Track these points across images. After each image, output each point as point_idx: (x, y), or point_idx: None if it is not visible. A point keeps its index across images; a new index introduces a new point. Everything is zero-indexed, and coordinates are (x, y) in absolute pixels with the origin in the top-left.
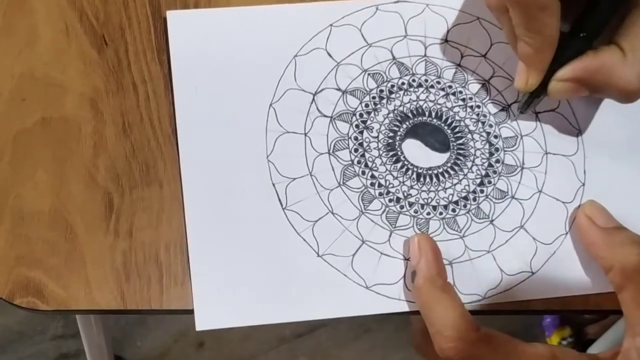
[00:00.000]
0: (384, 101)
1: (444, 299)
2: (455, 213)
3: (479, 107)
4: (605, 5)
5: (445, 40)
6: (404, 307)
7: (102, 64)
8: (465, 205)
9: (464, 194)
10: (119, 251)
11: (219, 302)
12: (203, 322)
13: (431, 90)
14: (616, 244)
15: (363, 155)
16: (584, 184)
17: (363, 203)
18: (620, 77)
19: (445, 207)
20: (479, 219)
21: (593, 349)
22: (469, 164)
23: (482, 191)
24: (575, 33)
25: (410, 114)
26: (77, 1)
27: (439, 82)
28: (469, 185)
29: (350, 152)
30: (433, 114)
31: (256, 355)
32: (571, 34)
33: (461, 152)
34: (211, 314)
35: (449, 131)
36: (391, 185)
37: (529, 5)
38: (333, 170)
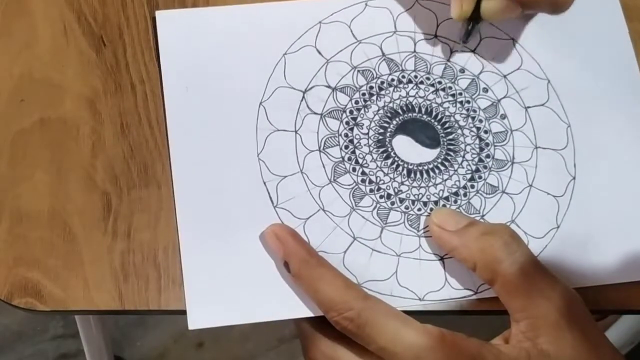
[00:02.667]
0: (374, 98)
1: (323, 274)
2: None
3: (468, 102)
4: None
5: (435, 36)
6: (396, 303)
7: (100, 64)
8: (455, 201)
9: (454, 190)
10: (117, 252)
11: (211, 300)
12: (195, 321)
13: (421, 86)
14: (470, 242)
15: (354, 152)
16: (574, 178)
17: (354, 200)
18: None
19: (436, 202)
20: (470, 214)
21: None
22: (459, 159)
23: (472, 186)
24: None
25: (400, 110)
26: (75, 2)
27: (428, 78)
28: (459, 181)
29: (341, 149)
30: (423, 109)
31: (256, 355)
32: None
33: (451, 147)
34: (203, 312)
35: (439, 127)
36: (382, 182)
37: None
38: (324, 167)
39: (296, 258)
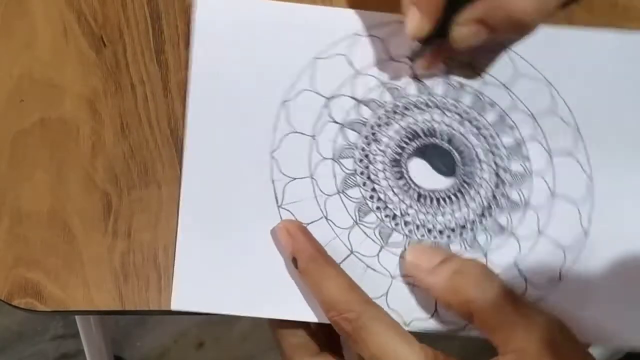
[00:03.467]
0: (398, 116)
1: (329, 273)
2: (450, 240)
3: (492, 137)
4: None
5: (469, 65)
6: None
7: (100, 65)
8: (461, 234)
9: (462, 222)
10: (117, 252)
11: (199, 285)
12: (179, 302)
13: (447, 113)
14: (442, 283)
15: (367, 167)
16: (587, 233)
17: (359, 214)
18: (517, 9)
19: (441, 232)
20: (473, 249)
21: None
22: (473, 192)
23: (481, 222)
24: None
25: (421, 133)
26: (75, 2)
27: (456, 106)
28: (468, 214)
29: (355, 161)
30: (445, 137)
31: (256, 355)
32: None
33: (467, 179)
34: (189, 296)
35: (458, 157)
36: (390, 201)
37: None
38: (335, 176)
39: (304, 254)
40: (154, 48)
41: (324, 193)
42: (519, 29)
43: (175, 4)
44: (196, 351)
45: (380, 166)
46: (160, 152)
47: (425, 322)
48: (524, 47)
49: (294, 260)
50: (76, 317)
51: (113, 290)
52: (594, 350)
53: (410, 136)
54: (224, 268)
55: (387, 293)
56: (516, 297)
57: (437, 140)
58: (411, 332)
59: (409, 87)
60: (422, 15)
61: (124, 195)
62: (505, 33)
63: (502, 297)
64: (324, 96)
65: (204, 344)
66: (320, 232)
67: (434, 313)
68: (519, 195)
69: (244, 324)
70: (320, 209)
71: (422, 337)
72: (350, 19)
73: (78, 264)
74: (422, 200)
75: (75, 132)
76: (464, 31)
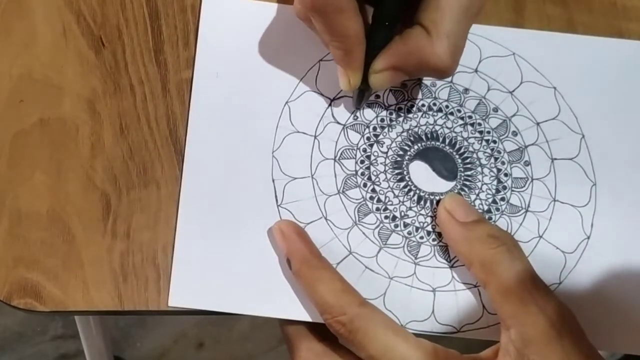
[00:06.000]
0: (400, 119)
1: (322, 276)
2: None
3: (495, 142)
4: None
5: (475, 71)
6: None
7: (99, 65)
8: None
9: None
10: (116, 252)
11: (197, 282)
12: (176, 299)
13: (450, 117)
14: (474, 239)
15: (368, 168)
16: (588, 237)
17: (358, 215)
18: (431, 56)
19: (440, 234)
20: None
21: None
22: (473, 196)
23: None
24: (379, 22)
25: (424, 137)
26: (74, 3)
27: (459, 111)
28: None
29: (357, 162)
30: (447, 140)
31: (256, 355)
32: (376, 24)
33: (467, 183)
34: (186, 293)
35: (459, 161)
36: (390, 203)
37: (325, 12)
38: (335, 177)
39: (298, 256)
40: (152, 48)
41: (324, 193)
42: (435, 74)
43: (174, 4)
44: (196, 351)
45: (381, 168)
46: (159, 152)
47: (423, 324)
48: (531, 53)
49: (289, 262)
50: (76, 317)
51: (112, 290)
52: None
53: (413, 139)
54: (222, 266)
55: (384, 294)
56: (538, 278)
57: (439, 144)
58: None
59: (413, 90)
60: (348, 72)
61: (123, 196)
62: (423, 75)
63: (527, 271)
64: (327, 97)
65: (204, 344)
66: (319, 232)
67: (431, 315)
68: (520, 199)
69: (244, 324)
70: (320, 209)
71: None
72: None
73: (77, 264)
74: (422, 202)
75: (75, 132)
76: (380, 78)
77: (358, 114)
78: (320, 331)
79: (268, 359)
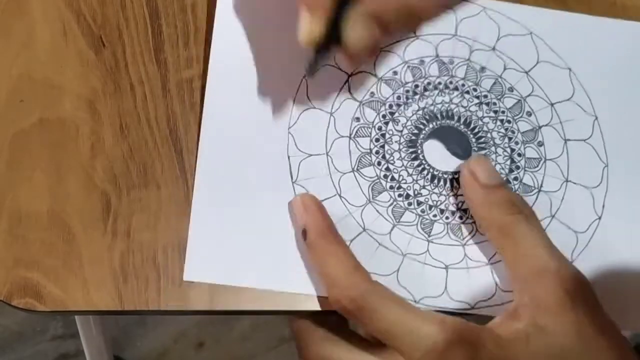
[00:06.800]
0: (417, 97)
1: (337, 251)
2: (462, 220)
3: (509, 122)
4: None
5: (493, 49)
6: None
7: (99, 65)
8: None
9: None
10: (116, 252)
11: (212, 257)
12: (191, 273)
13: (466, 95)
14: (493, 204)
15: (383, 146)
16: (600, 217)
17: (372, 192)
18: None
19: (453, 213)
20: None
21: None
22: None
23: None
24: None
25: (439, 115)
26: (74, 2)
27: (475, 89)
28: None
29: (372, 140)
30: (462, 119)
31: (256, 355)
32: None
33: None
34: (201, 266)
35: (474, 140)
36: (404, 181)
37: None
38: (350, 154)
39: (315, 228)
40: (153, 48)
41: (338, 171)
42: (417, 18)
43: (174, 4)
44: (196, 351)
45: (395, 146)
46: (160, 152)
47: (436, 300)
48: (548, 33)
49: (304, 233)
50: (76, 317)
51: (112, 290)
52: None
53: (428, 118)
54: (236, 241)
55: (398, 270)
56: (553, 247)
57: (453, 123)
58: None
59: (431, 67)
60: (311, 17)
61: (123, 196)
62: (399, 25)
63: (543, 238)
64: (345, 72)
65: (204, 344)
66: (333, 209)
67: (445, 291)
68: (533, 179)
69: (244, 324)
70: (335, 186)
71: None
72: None
73: (77, 264)
74: (435, 181)
75: (75, 132)
76: (357, 31)
77: (374, 89)
78: (326, 323)
79: (268, 359)
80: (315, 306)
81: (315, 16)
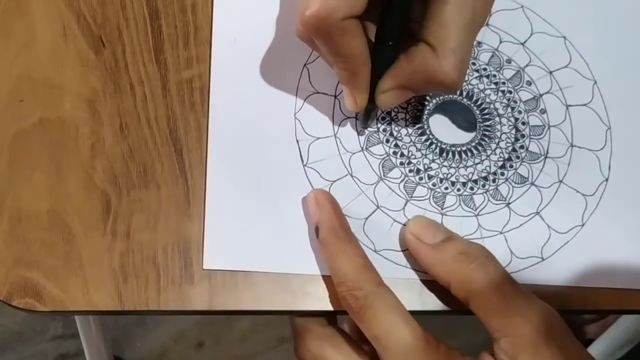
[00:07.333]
0: None
1: (347, 249)
2: (473, 191)
3: (510, 92)
4: (395, 10)
5: (487, 24)
6: (409, 275)
7: (99, 65)
8: (484, 185)
9: (484, 174)
10: (116, 252)
11: (229, 244)
12: (211, 261)
13: None
14: (447, 260)
15: (390, 124)
16: (607, 179)
17: (383, 170)
18: (437, 73)
19: (464, 184)
20: (496, 200)
21: (593, 349)
22: (493, 145)
23: (502, 174)
24: (383, 41)
25: None
26: (74, 2)
27: (474, 64)
28: (490, 166)
29: (378, 120)
30: (464, 93)
31: (256, 355)
32: (380, 44)
33: (487, 133)
34: (220, 255)
35: (477, 112)
36: (413, 157)
37: (328, 33)
38: (358, 134)
39: (327, 225)
40: (153, 48)
41: (348, 151)
42: (444, 89)
43: (174, 4)
44: (196, 351)
45: (402, 123)
46: (160, 152)
47: None
48: (539, 5)
49: (317, 230)
50: (76, 317)
51: (112, 290)
52: (591, 350)
53: (431, 93)
54: (253, 227)
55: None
56: (517, 285)
57: (456, 97)
58: (427, 307)
59: None
60: (354, 93)
61: (123, 196)
62: (431, 91)
63: (504, 281)
64: None
65: (204, 344)
66: (346, 189)
67: None
68: (538, 146)
69: (244, 324)
70: (345, 166)
71: (427, 325)
72: None
73: (77, 264)
74: (444, 154)
75: (75, 132)
76: (387, 97)
77: None
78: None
79: (268, 359)
80: (316, 306)
81: (357, 92)
